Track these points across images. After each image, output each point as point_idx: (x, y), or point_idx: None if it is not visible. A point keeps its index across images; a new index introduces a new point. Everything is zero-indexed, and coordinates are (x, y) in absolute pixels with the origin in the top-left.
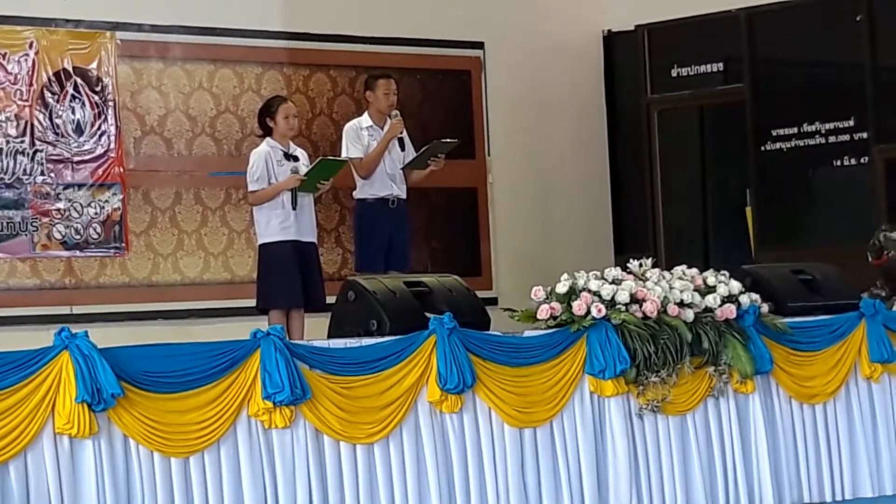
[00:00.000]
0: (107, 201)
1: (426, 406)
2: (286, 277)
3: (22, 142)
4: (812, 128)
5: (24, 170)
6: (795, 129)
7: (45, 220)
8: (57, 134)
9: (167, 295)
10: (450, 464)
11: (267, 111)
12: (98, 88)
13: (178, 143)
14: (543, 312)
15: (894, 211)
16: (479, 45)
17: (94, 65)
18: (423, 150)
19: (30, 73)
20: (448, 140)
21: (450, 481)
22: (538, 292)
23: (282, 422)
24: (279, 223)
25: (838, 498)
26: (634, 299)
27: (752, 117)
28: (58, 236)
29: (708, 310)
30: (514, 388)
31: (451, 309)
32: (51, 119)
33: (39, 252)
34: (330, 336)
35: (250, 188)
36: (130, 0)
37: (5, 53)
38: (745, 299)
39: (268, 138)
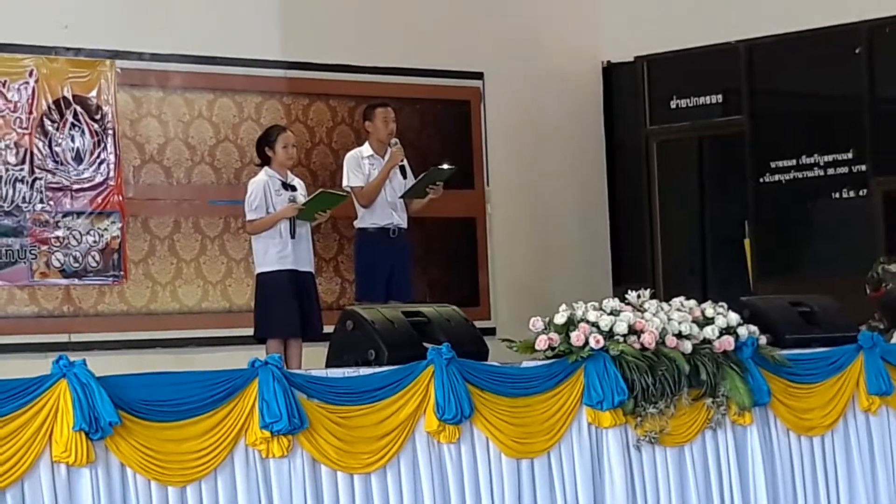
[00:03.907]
0: (106, 229)
1: (424, 436)
2: (284, 306)
3: (21, 169)
4: (811, 160)
5: (24, 197)
6: (794, 162)
7: (44, 247)
8: (56, 162)
9: (165, 323)
10: (447, 494)
11: (266, 140)
12: (98, 117)
13: (177, 171)
14: (541, 343)
15: (892, 243)
16: (479, 76)
17: (93, 93)
18: (420, 177)
19: (29, 100)
20: (445, 167)
21: None
22: (536, 323)
23: (279, 451)
24: (277, 252)
25: None
26: (632, 330)
27: (751, 149)
28: (56, 264)
29: (706, 341)
30: (512, 418)
31: (450, 339)
32: (50, 147)
33: (38, 280)
34: (328, 365)
35: (248, 217)
36: (130, 29)
37: (5, 81)
38: (743, 331)
39: (266, 167)
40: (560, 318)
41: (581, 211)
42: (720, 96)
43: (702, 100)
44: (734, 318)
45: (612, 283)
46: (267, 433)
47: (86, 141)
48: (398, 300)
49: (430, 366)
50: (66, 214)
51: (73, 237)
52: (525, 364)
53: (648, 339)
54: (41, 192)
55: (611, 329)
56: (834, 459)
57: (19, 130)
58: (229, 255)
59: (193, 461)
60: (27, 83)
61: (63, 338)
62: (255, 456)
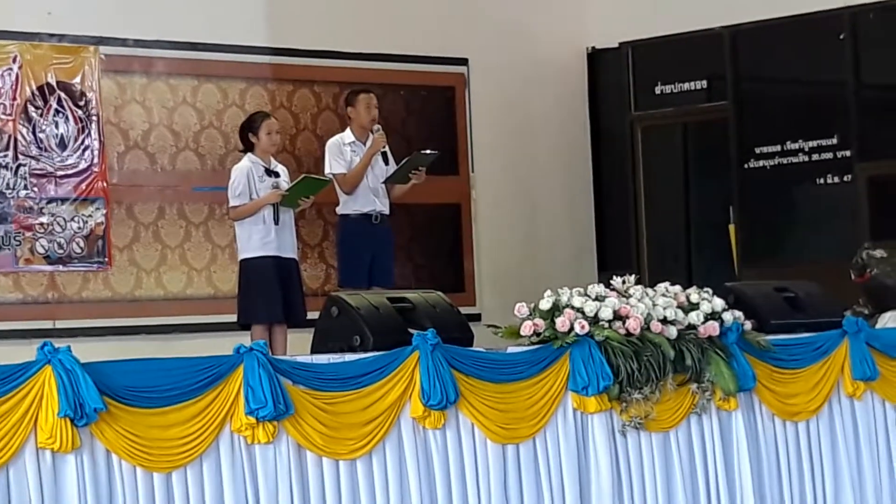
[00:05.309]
0: (90, 216)
1: (409, 422)
2: (267, 292)
3: (5, 156)
4: (795, 146)
5: (8, 184)
6: (779, 147)
7: (29, 234)
8: (40, 148)
9: (150, 310)
10: (433, 480)
11: (249, 127)
12: (82, 103)
13: (161, 157)
14: (527, 329)
15: (877, 229)
16: (464, 62)
17: (77, 79)
18: (402, 162)
19: (13, 87)
20: (428, 152)
21: (433, 497)
22: (521, 308)
23: (265, 437)
24: (260, 239)
25: None
26: (618, 316)
27: (736, 135)
28: (41, 251)
29: (691, 327)
30: (498, 404)
31: (435, 325)
32: (34, 133)
33: (22, 266)
34: (313, 351)
35: (231, 203)
36: (114, 15)
37: None
38: (728, 316)
39: (249, 154)
40: (545, 304)
41: (566, 197)
42: (705, 82)
43: (686, 86)
44: (719, 303)
45: (597, 268)
46: (252, 419)
47: (70, 127)
48: (381, 286)
49: (416, 352)
50: (50, 201)
51: (58, 223)
52: (510, 350)
53: (633, 325)
54: (25, 178)
55: (596, 315)
56: (819, 444)
57: (3, 117)
58: (214, 241)
59: (179, 447)
60: (10, 69)
61: (48, 324)
62: (240, 442)
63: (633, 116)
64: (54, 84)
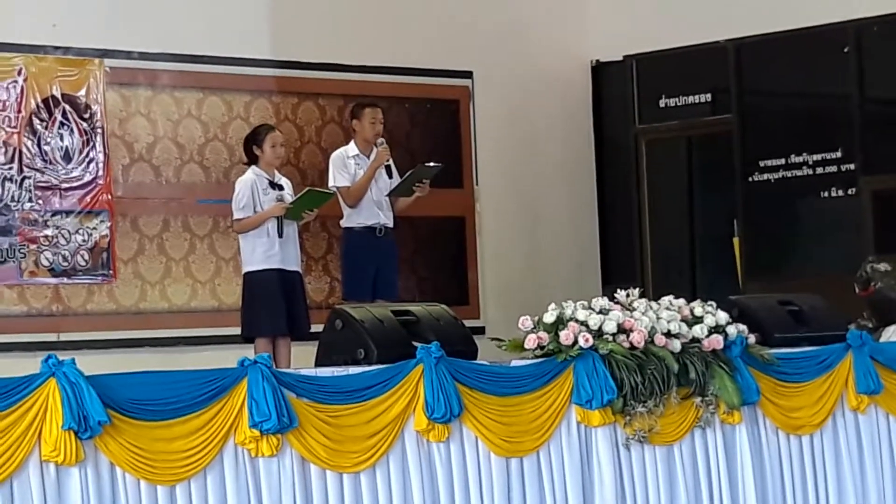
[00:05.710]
0: (95, 228)
1: (413, 435)
2: (270, 305)
3: (10, 168)
4: (799, 159)
5: (13, 196)
6: (783, 160)
7: (33, 246)
8: (45, 161)
9: (154, 322)
10: (436, 493)
11: (254, 139)
12: (86, 115)
13: (166, 170)
14: (531, 342)
15: (881, 242)
16: (468, 75)
17: (82, 92)
18: (406, 175)
19: (18, 99)
20: (432, 164)
21: None
22: (525, 322)
23: (268, 450)
24: (264, 251)
25: None
26: (622, 329)
27: (740, 148)
28: (45, 263)
29: (695, 340)
30: (502, 417)
31: (439, 338)
32: (39, 146)
33: (27, 279)
34: (317, 364)
35: (236, 216)
36: (119, 27)
37: None
38: (732, 330)
39: (253, 166)
40: (549, 317)
41: (570, 210)
42: (709, 95)
43: (690, 99)
44: (723, 316)
45: (601, 281)
46: (256, 432)
47: (74, 140)
48: (385, 299)
49: (420, 365)
50: (55, 213)
51: (62, 236)
52: (514, 363)
53: (637, 338)
54: (30, 191)
55: (600, 328)
56: (823, 458)
57: (8, 129)
58: (218, 254)
59: (183, 460)
60: (16, 82)
61: (52, 337)
62: (244, 455)
63: (636, 129)
64: (59, 96)
